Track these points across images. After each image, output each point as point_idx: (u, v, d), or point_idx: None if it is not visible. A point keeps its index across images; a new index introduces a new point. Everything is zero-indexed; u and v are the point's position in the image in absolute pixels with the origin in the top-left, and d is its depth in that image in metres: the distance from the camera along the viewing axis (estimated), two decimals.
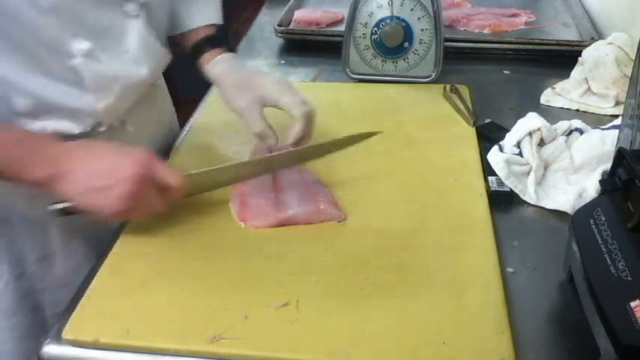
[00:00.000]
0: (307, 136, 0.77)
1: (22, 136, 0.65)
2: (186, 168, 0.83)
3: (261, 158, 0.77)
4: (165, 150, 0.90)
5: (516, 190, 0.78)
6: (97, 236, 0.77)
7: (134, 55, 0.74)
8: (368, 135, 0.80)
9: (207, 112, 1.00)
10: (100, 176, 0.63)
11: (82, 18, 0.67)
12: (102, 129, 0.74)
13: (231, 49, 0.85)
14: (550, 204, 0.76)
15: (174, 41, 0.88)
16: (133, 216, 0.67)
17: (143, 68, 0.76)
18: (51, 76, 0.67)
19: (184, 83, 1.25)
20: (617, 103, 0.99)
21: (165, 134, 0.95)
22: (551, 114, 0.98)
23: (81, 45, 0.67)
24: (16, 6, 0.62)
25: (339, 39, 1.08)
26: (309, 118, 0.76)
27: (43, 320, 0.79)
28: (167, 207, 0.67)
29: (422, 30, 1.03)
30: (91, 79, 0.69)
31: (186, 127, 0.96)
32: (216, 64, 0.83)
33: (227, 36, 0.86)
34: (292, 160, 0.77)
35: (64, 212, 0.67)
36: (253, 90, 0.78)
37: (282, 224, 0.72)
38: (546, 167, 0.81)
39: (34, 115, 0.68)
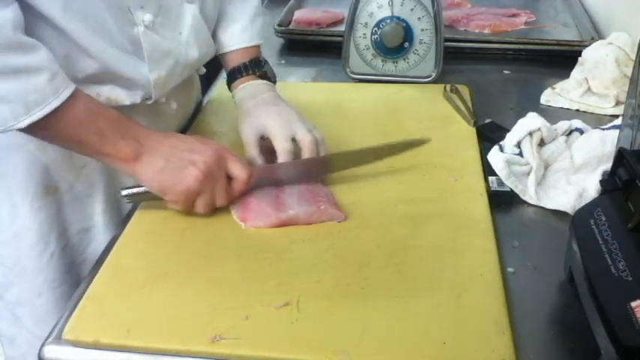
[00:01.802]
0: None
1: (110, 113, 0.69)
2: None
3: (330, 155, 0.79)
4: (187, 125, 0.95)
5: (516, 190, 0.78)
6: None
7: (186, 37, 0.79)
8: (418, 143, 0.81)
9: (207, 113, 1.00)
10: (178, 156, 0.68)
11: None
12: (149, 102, 0.77)
13: (265, 74, 0.87)
14: (550, 204, 0.77)
15: None
16: (199, 203, 0.70)
17: (194, 51, 0.80)
18: (112, 42, 0.70)
19: None
20: (617, 103, 0.99)
21: (193, 111, 1.00)
22: (551, 114, 0.98)
23: (145, 16, 0.72)
24: None
25: (339, 39, 1.08)
26: (288, 156, 0.76)
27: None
28: (231, 199, 0.72)
29: (422, 30, 1.03)
30: (149, 50, 0.74)
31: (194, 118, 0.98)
32: (240, 91, 0.86)
33: (260, 61, 0.88)
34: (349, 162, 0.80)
35: (136, 196, 0.72)
36: (258, 119, 0.79)
37: (282, 224, 0.72)
38: (546, 167, 0.81)
39: (93, 80, 0.71)
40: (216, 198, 0.71)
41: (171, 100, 0.85)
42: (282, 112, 0.79)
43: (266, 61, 0.89)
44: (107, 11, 0.69)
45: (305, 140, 0.76)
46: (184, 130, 0.94)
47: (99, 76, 0.72)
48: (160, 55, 0.76)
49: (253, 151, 0.78)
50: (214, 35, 0.87)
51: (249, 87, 0.85)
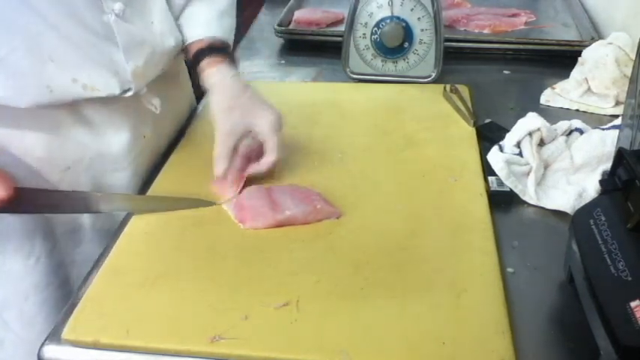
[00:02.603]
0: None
1: None
2: (198, 150, 0.85)
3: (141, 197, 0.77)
4: (183, 127, 0.95)
5: (516, 190, 0.78)
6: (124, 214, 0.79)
7: (159, 27, 0.78)
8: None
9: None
10: None
11: None
12: (129, 94, 0.75)
13: (232, 58, 0.84)
14: (550, 204, 0.76)
15: None
16: None
17: (169, 40, 0.80)
18: (87, 27, 0.70)
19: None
20: (617, 103, 0.99)
21: (186, 112, 0.99)
22: (551, 114, 0.98)
23: (114, 5, 0.71)
24: None
25: (339, 39, 1.08)
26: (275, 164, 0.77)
27: (70, 294, 0.79)
28: None
29: (422, 30, 1.03)
30: (123, 38, 0.72)
31: (199, 109, 0.98)
32: (213, 75, 0.81)
33: (229, 50, 0.85)
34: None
35: None
36: (245, 118, 0.78)
37: (280, 225, 0.72)
38: (546, 167, 0.81)
39: (67, 64, 0.69)
40: None
41: (153, 95, 0.82)
42: (276, 115, 0.78)
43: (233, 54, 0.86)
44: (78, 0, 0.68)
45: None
46: (177, 137, 0.92)
47: (73, 57, 0.70)
48: (136, 44, 0.75)
49: (223, 151, 0.77)
50: (181, 29, 0.85)
51: (224, 74, 0.81)
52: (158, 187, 0.80)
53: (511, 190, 0.78)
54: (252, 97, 0.80)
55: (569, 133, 0.84)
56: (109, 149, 0.78)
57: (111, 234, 0.75)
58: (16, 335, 0.80)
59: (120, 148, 0.79)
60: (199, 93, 1.07)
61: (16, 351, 0.81)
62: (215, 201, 0.76)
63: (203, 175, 0.79)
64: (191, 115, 1.00)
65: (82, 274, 0.75)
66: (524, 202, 0.78)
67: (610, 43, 1.02)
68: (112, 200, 0.77)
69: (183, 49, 0.86)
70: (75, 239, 0.81)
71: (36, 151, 0.73)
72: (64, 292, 0.81)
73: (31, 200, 0.69)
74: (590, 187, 0.76)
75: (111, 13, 0.71)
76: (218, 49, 0.83)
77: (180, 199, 0.76)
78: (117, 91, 0.74)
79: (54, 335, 0.60)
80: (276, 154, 0.77)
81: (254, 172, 0.79)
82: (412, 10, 1.02)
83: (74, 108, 0.73)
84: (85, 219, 0.81)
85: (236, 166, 0.78)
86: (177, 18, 0.84)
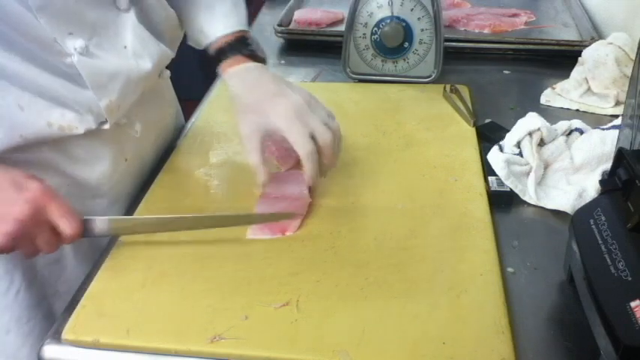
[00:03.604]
0: (323, 169, 0.72)
1: None
2: (186, 169, 0.84)
3: (188, 216, 0.71)
4: (170, 147, 0.91)
5: (516, 190, 0.78)
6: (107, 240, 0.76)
7: (132, 50, 0.72)
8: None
9: (207, 112, 1.00)
10: None
11: (74, 15, 0.66)
12: (106, 127, 0.72)
13: (255, 56, 0.79)
14: (550, 204, 0.76)
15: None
16: (18, 251, 0.63)
17: (145, 62, 0.74)
18: (51, 72, 0.66)
19: (183, 85, 1.24)
20: (617, 103, 0.99)
21: (171, 131, 0.94)
22: (551, 114, 0.98)
23: (75, 43, 0.66)
24: (5, 6, 0.60)
25: (339, 39, 1.08)
26: (314, 159, 0.69)
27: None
28: (56, 249, 0.64)
29: (422, 30, 1.03)
30: (90, 76, 0.68)
31: (186, 128, 0.96)
32: (231, 77, 0.77)
33: (249, 42, 0.79)
34: (225, 223, 0.71)
35: None
36: (259, 117, 0.72)
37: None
38: (546, 167, 0.81)
39: (38, 107, 0.66)
40: (38, 248, 0.63)
41: (135, 122, 0.78)
42: (290, 104, 0.71)
43: (256, 40, 0.80)
44: (30, 43, 0.63)
45: (323, 139, 0.69)
46: (163, 157, 0.88)
47: (45, 102, 0.66)
48: (106, 79, 0.69)
49: (255, 156, 0.71)
50: (199, 29, 0.81)
51: (240, 73, 0.76)
52: (144, 210, 0.77)
53: (511, 190, 0.78)
54: (268, 88, 0.73)
55: (569, 133, 0.84)
56: (88, 177, 0.75)
57: (94, 261, 0.72)
58: None
59: (99, 176, 0.76)
60: (198, 94, 1.07)
61: None
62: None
63: (191, 197, 0.78)
64: (180, 126, 0.97)
65: (66, 305, 0.72)
66: (524, 202, 0.78)
67: (610, 43, 1.02)
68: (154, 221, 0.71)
69: (205, 48, 0.81)
70: (57, 269, 0.77)
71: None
72: (49, 323, 0.75)
73: (91, 229, 0.67)
74: (590, 187, 0.76)
75: (73, 53, 0.66)
76: (235, 47, 0.78)
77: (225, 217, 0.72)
78: (94, 126, 0.71)
79: (54, 335, 0.60)
80: (307, 159, 0.69)
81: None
82: (412, 10, 1.02)
83: (51, 143, 0.70)
84: (67, 247, 0.76)
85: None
86: (164, 21, 0.80)
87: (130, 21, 0.72)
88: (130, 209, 0.78)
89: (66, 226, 0.62)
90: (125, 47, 0.72)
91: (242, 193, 0.78)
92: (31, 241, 0.61)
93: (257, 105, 0.72)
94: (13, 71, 0.63)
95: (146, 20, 0.76)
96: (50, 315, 0.77)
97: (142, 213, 0.76)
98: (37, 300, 0.76)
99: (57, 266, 0.77)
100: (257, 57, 0.79)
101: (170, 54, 0.81)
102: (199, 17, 0.81)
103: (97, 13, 0.69)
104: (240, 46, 0.78)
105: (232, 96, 0.76)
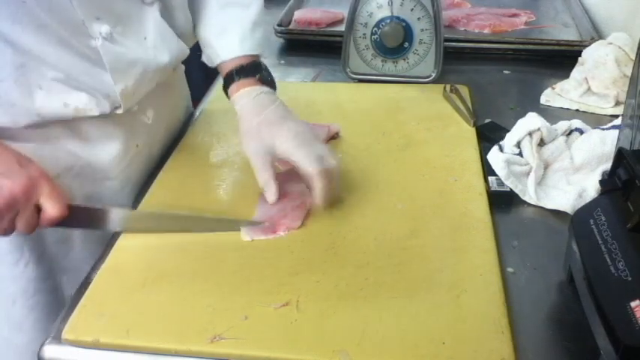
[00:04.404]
0: (331, 192, 0.72)
1: None
2: (186, 168, 0.84)
3: (199, 216, 0.73)
4: (179, 136, 0.93)
5: (516, 190, 0.78)
6: None
7: (152, 42, 0.76)
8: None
9: (207, 112, 1.00)
10: None
11: (103, 2, 0.70)
12: (119, 111, 0.75)
13: (266, 79, 0.81)
14: (550, 204, 0.77)
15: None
16: None
17: (164, 55, 0.78)
18: (74, 53, 0.69)
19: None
20: (617, 103, 0.99)
21: (182, 119, 0.97)
22: (551, 114, 0.98)
23: (101, 28, 0.69)
24: None
25: (339, 39, 1.08)
26: (326, 177, 0.71)
27: (62, 300, 0.80)
28: (31, 232, 0.66)
29: (422, 30, 1.03)
30: (110, 61, 0.71)
31: (187, 129, 0.96)
32: (240, 99, 0.79)
33: (261, 67, 0.82)
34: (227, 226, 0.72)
35: None
36: (266, 139, 0.74)
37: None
38: (546, 167, 0.81)
39: (57, 88, 0.69)
40: (17, 226, 0.65)
41: (147, 109, 0.81)
42: (295, 129, 0.74)
43: (265, 66, 0.83)
44: (59, 25, 0.66)
45: (330, 163, 0.72)
46: (173, 143, 0.90)
47: (64, 83, 0.69)
48: (125, 65, 0.73)
49: (264, 175, 0.73)
50: (208, 42, 0.83)
51: (248, 95, 0.78)
52: (152, 197, 0.78)
53: (511, 190, 0.78)
54: (275, 113, 0.76)
55: (569, 133, 0.84)
56: (100, 159, 0.77)
57: (100, 244, 0.73)
58: (3, 338, 0.80)
59: (110, 158, 0.78)
60: (198, 95, 1.07)
61: (7, 353, 0.81)
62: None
63: (198, 183, 0.79)
64: (188, 121, 0.98)
65: (72, 281, 0.75)
66: (524, 202, 0.78)
67: (610, 43, 1.02)
68: (154, 218, 0.74)
69: (217, 67, 0.84)
70: (65, 247, 0.80)
71: None
72: (54, 297, 0.80)
73: (81, 217, 0.69)
74: (590, 187, 0.76)
75: (98, 37, 0.69)
76: (247, 71, 0.80)
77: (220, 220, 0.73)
78: (107, 110, 0.73)
79: (54, 335, 0.60)
80: (319, 177, 0.70)
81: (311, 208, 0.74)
82: (412, 10, 1.02)
83: (65, 123, 0.72)
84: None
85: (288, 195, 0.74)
86: (183, 20, 0.83)
87: (152, 15, 0.76)
88: (139, 197, 0.80)
89: (51, 207, 0.64)
90: (145, 38, 0.75)
91: (243, 192, 0.78)
92: (12, 217, 0.63)
93: (261, 128, 0.75)
94: (39, 52, 0.66)
95: (168, 17, 0.79)
96: (55, 290, 0.80)
97: (149, 201, 0.77)
98: (44, 274, 0.78)
99: (65, 245, 0.80)
100: (267, 82, 0.81)
101: (187, 51, 0.84)
102: (213, 36, 0.83)
103: (123, 3, 0.73)
104: (253, 69, 0.81)
105: (238, 117, 0.79)
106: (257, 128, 0.75)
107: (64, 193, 0.67)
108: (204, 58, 0.86)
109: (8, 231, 0.65)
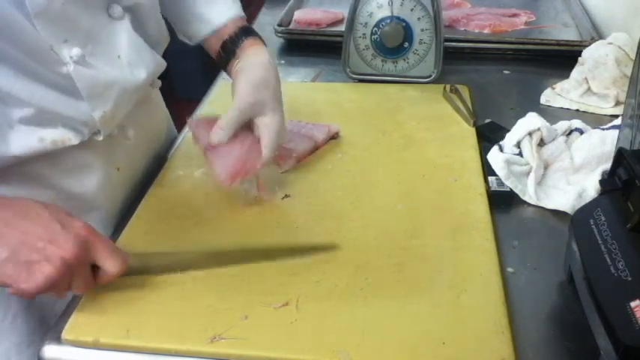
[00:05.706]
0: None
1: None
2: (181, 179, 0.82)
3: (217, 252, 0.69)
4: (162, 155, 0.90)
5: (516, 190, 0.78)
6: None
7: (127, 59, 0.71)
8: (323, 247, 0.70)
9: (207, 112, 1.00)
10: (30, 247, 0.56)
11: (69, 22, 0.64)
12: (99, 138, 0.70)
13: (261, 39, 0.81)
14: (550, 204, 0.77)
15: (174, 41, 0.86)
16: (52, 292, 0.59)
17: (140, 72, 0.72)
18: (45, 84, 0.64)
19: (183, 85, 1.24)
20: (617, 103, 0.99)
21: (163, 138, 0.93)
22: (551, 114, 0.98)
23: (71, 51, 0.64)
24: (2, 14, 0.58)
25: (339, 39, 1.08)
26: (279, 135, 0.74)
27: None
28: (95, 288, 0.62)
29: (422, 30, 1.03)
30: (85, 87, 0.66)
31: (181, 136, 0.94)
32: (255, 55, 0.77)
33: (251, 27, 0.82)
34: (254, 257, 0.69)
35: None
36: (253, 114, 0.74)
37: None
38: (546, 167, 0.81)
39: (32, 123, 0.64)
40: (73, 288, 0.60)
41: (127, 129, 0.77)
42: (277, 119, 0.74)
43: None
44: (25, 55, 0.61)
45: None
46: (155, 167, 0.86)
47: (37, 118, 0.64)
48: (101, 89, 0.67)
49: (230, 124, 0.73)
50: (197, 13, 0.81)
51: (264, 53, 0.78)
52: (135, 224, 0.75)
53: (511, 190, 0.78)
54: (276, 90, 0.76)
55: (569, 133, 0.84)
56: (81, 189, 0.73)
57: None
58: None
59: (92, 187, 0.73)
60: (198, 95, 1.06)
61: None
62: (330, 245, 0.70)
63: (186, 207, 0.76)
64: (171, 144, 0.94)
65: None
66: (524, 202, 0.78)
67: (610, 43, 1.02)
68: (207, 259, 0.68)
69: (209, 41, 0.81)
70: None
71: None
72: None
73: (140, 266, 0.65)
74: (590, 187, 0.76)
75: (69, 62, 0.63)
76: (252, 30, 0.80)
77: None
78: (86, 138, 0.69)
79: (54, 335, 0.60)
80: (269, 151, 0.73)
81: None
82: (412, 10, 1.02)
83: (43, 156, 0.67)
84: None
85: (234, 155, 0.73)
86: (158, 30, 0.79)
87: (124, 29, 0.71)
88: (124, 220, 0.76)
89: (111, 264, 0.60)
90: (119, 57, 0.70)
91: (238, 199, 0.77)
92: (69, 280, 0.58)
93: (265, 95, 0.74)
94: (6, 89, 0.61)
95: (140, 29, 0.74)
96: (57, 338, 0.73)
97: (137, 218, 0.75)
98: (36, 324, 0.73)
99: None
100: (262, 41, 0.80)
101: (163, 64, 0.80)
102: (198, 6, 0.81)
103: (90, 20, 0.67)
104: (254, 30, 0.80)
105: (248, 69, 0.76)
106: (258, 94, 0.74)
107: (117, 247, 0.62)
108: (182, 37, 0.83)
109: (65, 294, 0.60)
